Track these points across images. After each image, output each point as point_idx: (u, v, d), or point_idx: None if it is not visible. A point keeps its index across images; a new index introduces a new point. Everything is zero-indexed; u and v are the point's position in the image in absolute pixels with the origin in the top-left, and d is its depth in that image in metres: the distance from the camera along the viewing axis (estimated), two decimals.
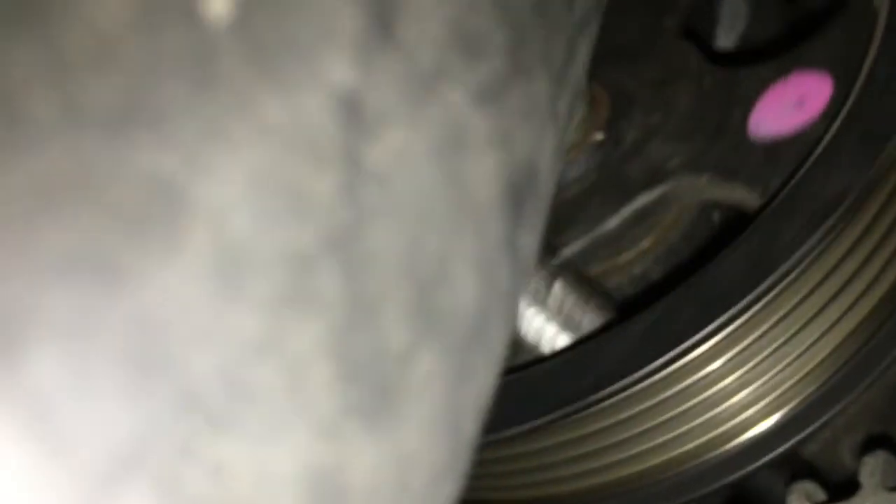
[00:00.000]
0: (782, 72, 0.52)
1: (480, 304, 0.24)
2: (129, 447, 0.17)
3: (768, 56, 0.53)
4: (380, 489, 0.21)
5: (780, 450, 0.43)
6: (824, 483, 0.45)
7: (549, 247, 0.53)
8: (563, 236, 0.54)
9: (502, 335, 0.26)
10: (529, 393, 0.44)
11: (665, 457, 0.44)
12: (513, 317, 0.27)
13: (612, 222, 0.52)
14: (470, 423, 0.24)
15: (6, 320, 0.16)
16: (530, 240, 0.27)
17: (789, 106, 0.49)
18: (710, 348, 0.42)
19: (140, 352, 0.17)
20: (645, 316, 0.43)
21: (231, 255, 0.18)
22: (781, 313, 0.41)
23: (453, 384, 0.23)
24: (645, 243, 0.52)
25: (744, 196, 0.50)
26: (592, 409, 0.43)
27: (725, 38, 0.61)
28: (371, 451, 0.21)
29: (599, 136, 0.55)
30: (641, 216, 0.52)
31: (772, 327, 0.42)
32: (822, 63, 0.50)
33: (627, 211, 0.52)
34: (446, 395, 0.23)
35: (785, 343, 0.42)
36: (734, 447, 0.44)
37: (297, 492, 0.19)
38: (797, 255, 0.40)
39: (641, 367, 0.41)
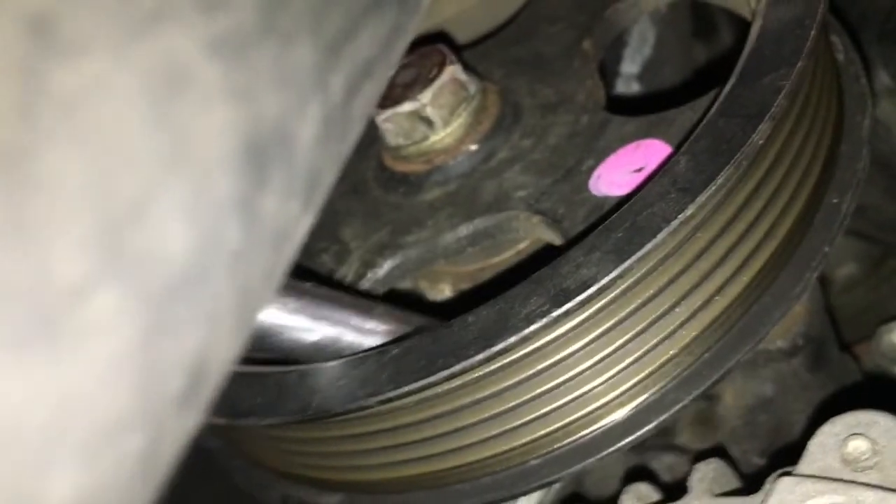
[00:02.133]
0: (641, 134, 0.50)
1: (194, 257, 0.24)
2: None
3: (643, 110, 0.52)
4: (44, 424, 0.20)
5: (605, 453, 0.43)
6: (659, 485, 0.45)
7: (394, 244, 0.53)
8: (407, 236, 0.53)
9: (230, 296, 0.25)
10: (372, 375, 0.43)
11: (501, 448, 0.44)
12: (253, 281, 0.26)
13: (449, 237, 0.52)
14: (174, 378, 0.24)
15: None
16: (281, 207, 0.26)
17: (630, 170, 0.48)
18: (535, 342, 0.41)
19: None
20: (490, 305, 0.42)
21: None
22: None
23: (146, 330, 0.23)
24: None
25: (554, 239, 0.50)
26: (432, 392, 0.42)
27: (631, 63, 0.61)
28: (33, 378, 0.20)
29: (474, 146, 0.54)
30: (477, 238, 0.52)
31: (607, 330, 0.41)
32: (673, 137, 0.48)
33: (466, 230, 0.52)
34: (135, 340, 0.22)
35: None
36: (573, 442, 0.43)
37: None
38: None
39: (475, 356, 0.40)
